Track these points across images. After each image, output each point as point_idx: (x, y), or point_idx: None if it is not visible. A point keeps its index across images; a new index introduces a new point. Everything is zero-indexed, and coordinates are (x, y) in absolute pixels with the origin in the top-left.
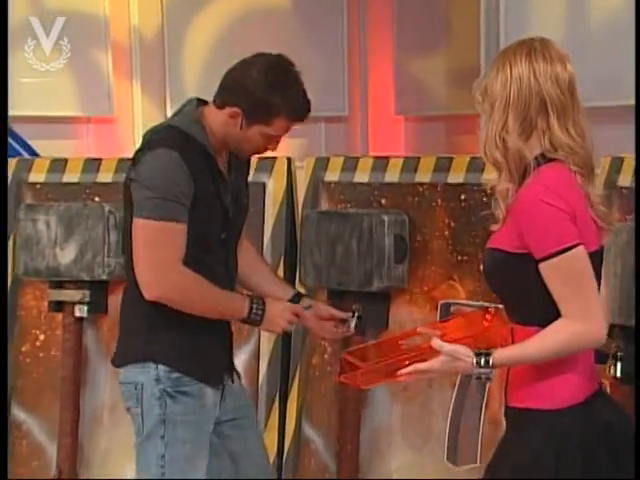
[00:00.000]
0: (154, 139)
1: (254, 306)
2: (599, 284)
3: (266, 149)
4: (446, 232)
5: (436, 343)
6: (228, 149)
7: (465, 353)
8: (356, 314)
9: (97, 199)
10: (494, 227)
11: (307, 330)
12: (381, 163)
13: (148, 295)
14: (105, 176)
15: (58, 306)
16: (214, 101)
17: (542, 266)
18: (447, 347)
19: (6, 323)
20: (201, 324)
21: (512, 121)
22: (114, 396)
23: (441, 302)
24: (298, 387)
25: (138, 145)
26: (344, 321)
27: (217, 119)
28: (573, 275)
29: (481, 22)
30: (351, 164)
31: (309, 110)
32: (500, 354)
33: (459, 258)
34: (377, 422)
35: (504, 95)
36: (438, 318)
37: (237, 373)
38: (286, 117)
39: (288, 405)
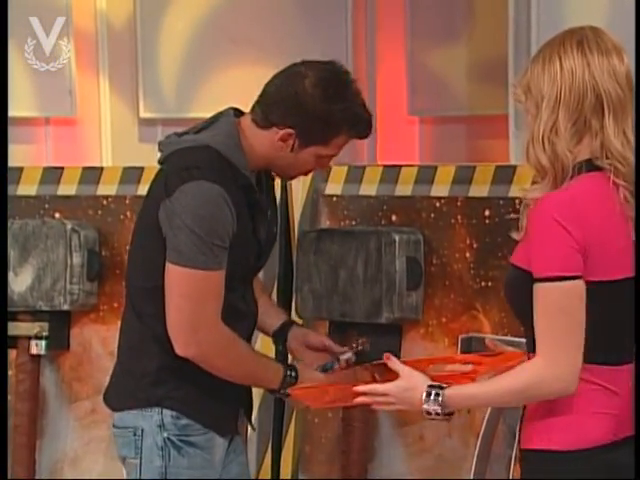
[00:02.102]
0: (192, 165)
1: (288, 374)
2: (626, 314)
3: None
4: (467, 254)
5: (393, 363)
6: (261, 169)
7: (420, 382)
8: (355, 349)
9: (58, 215)
10: (516, 235)
11: None
12: (391, 173)
13: (182, 352)
14: (67, 188)
15: (11, 341)
16: (253, 119)
17: (534, 287)
18: (406, 370)
19: (6, 324)
20: None
21: (563, 122)
22: (76, 448)
23: (462, 336)
24: (294, 436)
25: (159, 156)
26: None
27: (259, 140)
28: (557, 310)
29: (509, 5)
30: (356, 174)
31: (371, 123)
32: (454, 391)
33: (483, 284)
34: (386, 477)
35: (553, 92)
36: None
37: (250, 423)
38: (347, 134)
39: (282, 457)
